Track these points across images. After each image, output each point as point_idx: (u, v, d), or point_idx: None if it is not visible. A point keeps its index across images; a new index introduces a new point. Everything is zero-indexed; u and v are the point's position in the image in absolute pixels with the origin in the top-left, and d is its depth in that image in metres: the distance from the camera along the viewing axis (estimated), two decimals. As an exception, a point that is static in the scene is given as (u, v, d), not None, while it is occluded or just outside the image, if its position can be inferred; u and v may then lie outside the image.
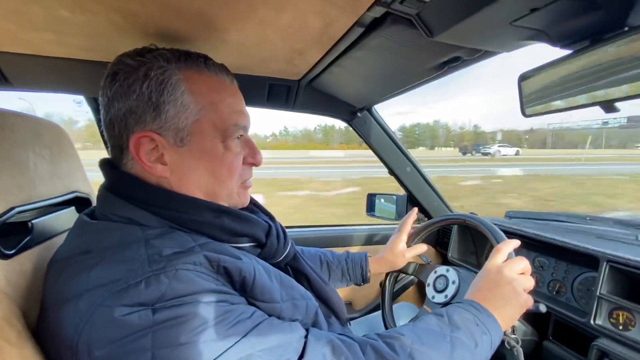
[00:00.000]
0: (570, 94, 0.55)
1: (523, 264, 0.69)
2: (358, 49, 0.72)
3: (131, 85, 0.49)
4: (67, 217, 0.66)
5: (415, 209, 1.02)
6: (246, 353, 0.41)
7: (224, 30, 0.66)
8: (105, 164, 0.55)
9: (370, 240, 1.49)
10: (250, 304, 0.48)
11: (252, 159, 0.60)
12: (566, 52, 0.54)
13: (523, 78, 0.62)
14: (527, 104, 0.63)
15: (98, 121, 1.02)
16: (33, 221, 0.55)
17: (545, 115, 0.62)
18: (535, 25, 0.50)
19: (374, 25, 0.62)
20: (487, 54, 0.66)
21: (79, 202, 0.69)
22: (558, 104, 0.57)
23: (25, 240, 0.53)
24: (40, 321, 0.45)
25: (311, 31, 0.66)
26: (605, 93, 0.50)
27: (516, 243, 0.73)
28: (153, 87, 0.49)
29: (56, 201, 0.61)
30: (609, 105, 0.51)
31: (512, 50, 0.62)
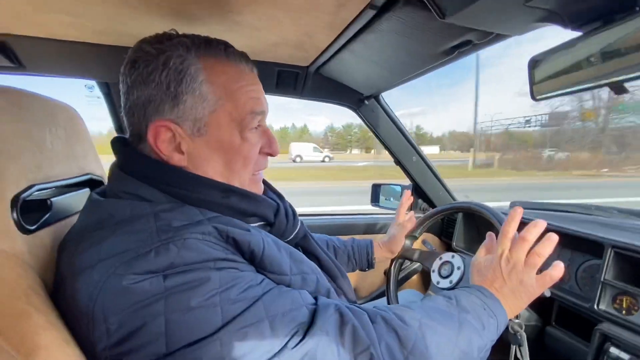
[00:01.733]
0: (580, 76, 0.55)
1: (527, 245, 0.63)
2: (369, 32, 0.72)
3: (150, 74, 0.49)
4: (83, 198, 0.66)
5: (408, 192, 1.03)
6: (257, 318, 0.42)
7: (238, 12, 0.66)
8: (117, 142, 0.56)
9: (375, 228, 1.50)
10: (259, 273, 0.49)
11: (268, 148, 0.60)
12: (577, 34, 0.54)
13: (533, 61, 0.62)
14: (536, 86, 0.63)
15: (109, 106, 1.04)
16: (52, 199, 0.56)
17: (554, 98, 0.62)
18: (548, 5, 0.50)
19: (386, 7, 0.63)
20: (498, 37, 0.66)
21: (93, 185, 0.71)
22: (568, 85, 0.58)
23: (45, 217, 0.54)
24: (56, 292, 0.47)
25: (323, 13, 0.66)
26: (615, 73, 0.50)
27: (518, 217, 0.66)
28: (172, 77, 0.49)
29: (72, 182, 0.62)
30: (619, 87, 0.51)
31: (523, 33, 0.62)
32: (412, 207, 1.49)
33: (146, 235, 0.43)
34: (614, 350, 0.78)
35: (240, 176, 0.56)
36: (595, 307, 0.83)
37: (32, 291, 0.43)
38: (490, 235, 0.72)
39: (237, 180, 0.56)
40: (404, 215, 1.02)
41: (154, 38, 0.52)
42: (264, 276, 0.48)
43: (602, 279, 0.83)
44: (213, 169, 0.54)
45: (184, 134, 0.51)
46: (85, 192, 0.69)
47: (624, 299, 0.81)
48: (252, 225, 0.56)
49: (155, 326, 0.38)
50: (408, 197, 1.02)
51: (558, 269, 0.63)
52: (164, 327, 0.38)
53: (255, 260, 0.49)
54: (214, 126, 0.52)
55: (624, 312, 0.80)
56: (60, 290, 0.46)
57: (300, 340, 0.43)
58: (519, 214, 0.66)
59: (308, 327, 0.45)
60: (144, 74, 0.50)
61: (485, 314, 0.58)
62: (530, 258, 0.63)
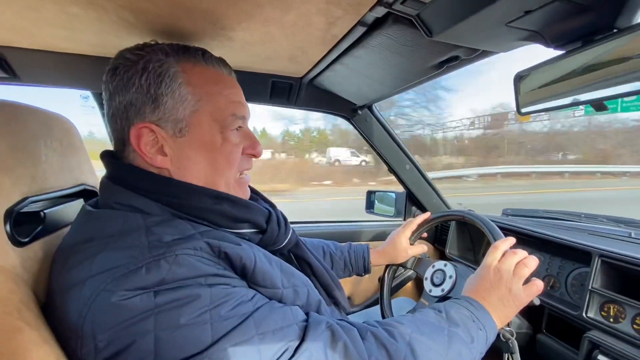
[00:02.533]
0: (563, 93, 0.57)
1: (517, 257, 0.68)
2: (360, 47, 0.74)
3: (130, 79, 0.51)
4: (77, 209, 0.67)
5: (428, 213, 1.03)
6: (247, 335, 0.42)
7: (231, 29, 0.68)
8: (106, 156, 0.57)
9: (370, 236, 1.51)
10: (251, 288, 0.49)
11: (252, 150, 0.61)
12: (560, 52, 0.56)
13: (519, 77, 0.64)
14: (522, 101, 0.65)
15: (104, 116, 1.04)
16: (45, 211, 0.57)
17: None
18: (529, 26, 0.52)
19: (376, 25, 0.64)
20: (484, 53, 0.68)
21: (88, 195, 0.71)
22: (551, 102, 0.60)
23: (38, 229, 0.54)
24: (47, 306, 0.47)
25: (315, 30, 0.68)
26: (596, 92, 0.52)
27: (512, 241, 0.73)
28: (151, 80, 0.51)
29: (66, 193, 0.63)
30: (599, 104, 0.53)
31: (509, 50, 0.64)
32: (405, 215, 1.50)
33: (137, 251, 0.43)
34: (602, 358, 0.79)
35: (225, 176, 0.57)
36: (584, 314, 0.84)
37: (24, 306, 0.43)
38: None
39: (223, 180, 0.57)
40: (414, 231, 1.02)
41: (135, 46, 0.54)
42: (255, 291, 0.49)
43: (590, 287, 0.85)
44: (197, 169, 0.55)
45: (166, 135, 0.52)
46: (79, 202, 0.69)
47: (612, 307, 0.82)
48: (244, 230, 0.56)
49: (144, 344, 0.38)
50: (427, 215, 1.02)
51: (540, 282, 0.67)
52: (153, 345, 0.38)
53: (247, 275, 0.49)
54: (195, 127, 0.53)
55: (611, 319, 0.81)
56: (50, 305, 0.46)
57: (291, 358, 0.43)
58: (512, 241, 0.74)
59: (299, 345, 0.45)
60: (125, 79, 0.52)
61: (474, 326, 0.59)
62: (519, 268, 0.66)
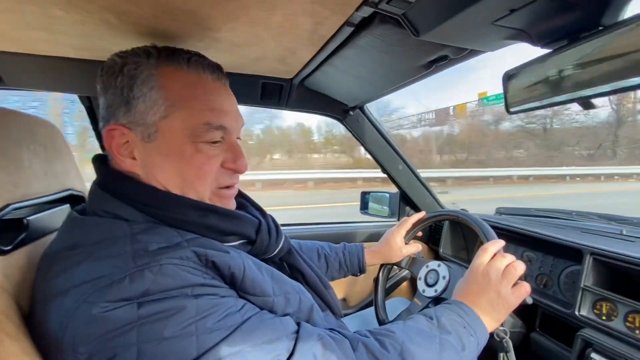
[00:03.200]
0: (551, 92, 0.57)
1: (505, 260, 0.68)
2: (348, 47, 0.73)
3: (109, 80, 0.52)
4: (62, 215, 0.66)
5: (423, 213, 1.03)
6: (236, 349, 0.41)
7: (216, 30, 0.67)
8: (96, 160, 0.56)
9: (365, 237, 1.50)
10: (241, 297, 0.48)
11: (232, 164, 0.56)
12: (547, 51, 0.56)
13: (508, 76, 0.64)
14: (511, 100, 0.65)
15: (91, 120, 1.03)
16: (28, 218, 0.56)
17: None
18: (515, 25, 0.52)
19: (363, 25, 0.64)
20: (472, 52, 0.68)
21: (74, 200, 0.70)
22: (539, 101, 0.60)
23: (21, 236, 0.53)
24: (30, 316, 0.46)
25: (302, 30, 0.68)
26: (583, 90, 0.52)
27: (500, 243, 0.73)
28: (125, 82, 0.51)
29: (51, 199, 0.62)
30: (586, 102, 0.53)
31: (496, 49, 0.64)
32: (399, 215, 1.50)
33: (121, 260, 0.42)
34: (595, 356, 0.79)
35: (196, 189, 0.54)
36: (576, 313, 0.84)
37: (4, 317, 0.42)
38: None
39: (194, 193, 0.54)
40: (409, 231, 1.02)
41: (126, 50, 0.54)
42: (245, 301, 0.47)
43: (582, 285, 0.85)
44: (164, 177, 0.53)
45: (136, 139, 0.52)
46: (65, 208, 0.68)
47: (604, 305, 0.82)
48: (231, 244, 0.55)
49: (127, 357, 0.37)
50: (422, 214, 1.02)
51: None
52: (136, 358, 0.37)
53: (236, 284, 0.48)
54: (165, 133, 0.52)
55: (603, 317, 0.81)
56: (33, 314, 0.45)
57: None
58: (502, 244, 0.73)
59: (288, 357, 0.44)
60: (106, 82, 0.52)
61: (465, 332, 0.59)
62: (507, 271, 0.66)
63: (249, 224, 0.57)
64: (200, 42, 0.72)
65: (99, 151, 0.79)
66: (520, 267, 0.67)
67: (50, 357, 0.40)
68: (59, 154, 0.67)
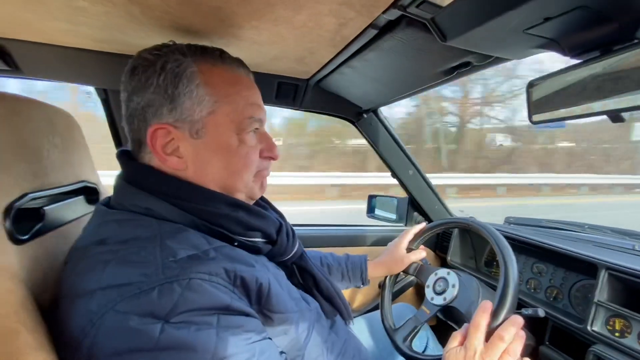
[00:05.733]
0: (578, 102, 0.56)
1: (502, 345, 0.58)
2: (370, 50, 0.73)
3: (149, 79, 0.51)
4: (77, 206, 0.66)
5: (424, 224, 1.02)
6: None
7: (239, 27, 0.67)
8: (122, 155, 0.56)
9: (372, 241, 1.49)
10: (265, 316, 0.49)
11: (269, 152, 0.60)
12: (576, 61, 0.55)
13: (531, 85, 0.63)
14: (534, 110, 0.64)
15: (107, 113, 1.03)
16: (45, 208, 0.55)
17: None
18: (547, 34, 0.51)
19: (387, 28, 0.63)
20: (497, 60, 0.67)
21: (88, 192, 0.70)
22: (565, 111, 0.59)
23: (38, 226, 0.53)
24: (52, 308, 0.46)
25: (324, 31, 0.67)
26: (612, 102, 0.51)
27: (487, 313, 0.62)
28: (169, 80, 0.50)
29: (66, 189, 0.62)
30: (616, 115, 0.52)
31: (523, 57, 0.63)
32: (407, 221, 1.49)
33: (151, 269, 0.42)
34: (606, 373, 0.77)
35: (242, 178, 0.56)
36: (589, 328, 0.83)
37: (22, 308, 0.41)
38: (466, 326, 0.64)
39: (240, 183, 0.56)
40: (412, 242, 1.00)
41: (153, 47, 0.53)
42: (263, 334, 0.47)
43: (595, 300, 0.83)
44: (213, 172, 0.54)
45: (182, 136, 0.52)
46: (80, 199, 0.68)
47: (617, 321, 0.81)
48: (255, 239, 0.56)
49: None
50: (423, 225, 1.01)
51: None
52: None
53: (261, 299, 0.49)
54: (212, 128, 0.53)
55: (617, 334, 0.80)
56: (56, 308, 0.45)
57: None
58: (489, 306, 0.63)
59: None
60: (143, 79, 0.51)
61: None
62: (504, 358, 0.58)
63: (271, 224, 0.58)
64: (221, 39, 0.72)
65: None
66: (518, 350, 0.59)
67: (65, 354, 0.40)
68: (76, 145, 0.67)
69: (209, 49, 0.55)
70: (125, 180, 0.53)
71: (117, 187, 0.54)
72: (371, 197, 1.63)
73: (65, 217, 0.62)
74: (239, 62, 0.57)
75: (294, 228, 0.67)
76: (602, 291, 0.84)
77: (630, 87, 0.49)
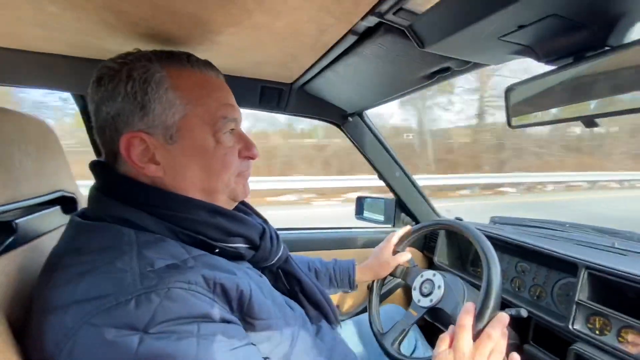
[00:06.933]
0: (553, 108, 0.57)
1: (491, 343, 0.59)
2: (351, 55, 0.73)
3: (115, 88, 0.49)
4: (53, 217, 0.64)
5: (409, 227, 1.02)
6: None
7: (218, 33, 0.66)
8: (96, 166, 0.55)
9: (361, 243, 1.50)
10: (247, 323, 0.49)
11: (247, 152, 0.59)
12: (551, 67, 0.56)
13: (509, 90, 0.64)
14: (512, 115, 0.65)
15: (84, 119, 1.00)
16: (17, 221, 0.54)
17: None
18: (522, 41, 0.52)
19: (367, 34, 0.63)
20: (475, 65, 0.68)
21: (65, 202, 0.68)
22: (541, 116, 0.60)
23: (9, 240, 0.51)
24: (24, 326, 0.44)
25: (305, 37, 0.67)
26: (586, 108, 0.52)
27: (471, 314, 0.63)
28: (137, 87, 0.49)
29: (41, 200, 0.60)
30: (589, 120, 0.53)
31: (500, 63, 0.64)
32: (394, 222, 1.50)
33: (128, 279, 0.41)
34: (587, 371, 0.79)
35: (223, 179, 0.55)
36: (570, 326, 0.85)
37: None
38: (452, 328, 0.65)
39: (221, 184, 0.55)
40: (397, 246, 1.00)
41: (117, 56, 0.52)
42: (245, 341, 0.47)
43: (576, 299, 0.85)
44: (191, 176, 0.53)
45: (157, 143, 0.51)
46: (56, 210, 0.66)
47: (597, 319, 0.83)
48: (237, 245, 0.55)
49: None
50: (408, 229, 1.01)
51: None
52: None
53: (243, 307, 0.48)
54: (187, 132, 0.52)
55: (597, 332, 0.82)
56: (28, 326, 0.44)
57: None
58: (472, 308, 0.64)
59: None
60: (110, 89, 0.50)
61: None
62: (493, 357, 0.60)
63: (253, 229, 0.58)
64: (200, 45, 0.71)
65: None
66: (504, 347, 0.61)
67: None
68: (51, 153, 0.65)
69: (176, 53, 0.54)
70: (99, 191, 0.52)
71: (92, 198, 0.53)
72: (359, 199, 1.64)
73: (40, 229, 0.60)
74: (207, 64, 0.57)
75: (281, 232, 0.66)
76: (582, 290, 0.85)
77: (603, 93, 0.50)
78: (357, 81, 0.90)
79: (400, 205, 1.49)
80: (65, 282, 0.42)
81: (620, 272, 0.80)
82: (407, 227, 1.02)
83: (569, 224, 1.26)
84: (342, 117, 1.24)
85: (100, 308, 0.38)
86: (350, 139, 1.31)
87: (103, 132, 0.52)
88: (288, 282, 0.66)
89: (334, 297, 1.46)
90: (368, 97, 1.02)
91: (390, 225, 1.51)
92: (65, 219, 0.67)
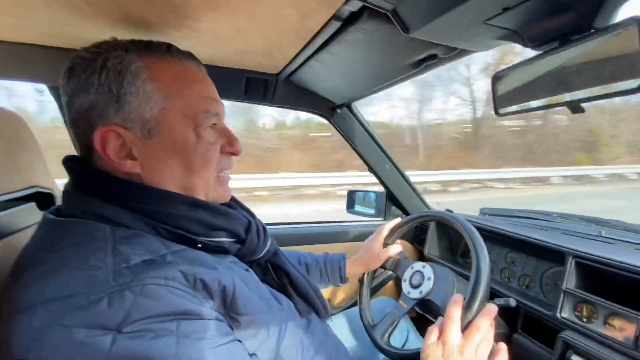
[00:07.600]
0: (540, 94, 0.56)
1: (479, 335, 0.59)
2: (336, 43, 0.71)
3: (88, 78, 0.46)
4: (27, 214, 0.62)
5: (399, 219, 1.02)
6: None
7: (196, 19, 0.63)
8: (69, 161, 0.52)
9: (352, 237, 1.49)
10: (232, 319, 0.47)
11: (230, 147, 0.57)
12: (537, 52, 0.55)
13: (496, 77, 0.63)
14: (499, 103, 0.64)
15: (62, 113, 0.97)
16: None
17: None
18: (507, 24, 0.51)
19: (351, 19, 0.62)
20: (462, 52, 0.67)
21: (41, 198, 0.65)
22: (529, 103, 0.59)
23: None
24: None
25: (288, 23, 0.65)
26: (572, 93, 0.52)
27: (459, 306, 0.63)
28: (112, 78, 0.47)
29: (14, 196, 0.57)
30: (575, 106, 0.52)
31: (486, 49, 0.63)
32: (385, 215, 1.49)
33: (100, 276, 0.39)
34: (575, 358, 0.79)
35: (203, 177, 0.53)
36: (558, 315, 0.85)
37: None
38: (441, 319, 0.65)
39: (200, 182, 0.53)
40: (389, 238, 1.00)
41: (92, 45, 0.49)
42: (229, 337, 0.45)
43: (564, 288, 0.85)
44: (170, 172, 0.51)
45: (134, 137, 0.48)
46: (31, 206, 0.64)
47: (584, 307, 0.83)
48: (221, 239, 0.53)
49: None
50: (398, 221, 1.00)
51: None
52: None
53: (226, 302, 0.46)
54: (166, 126, 0.49)
55: (584, 319, 0.82)
56: None
57: None
58: (460, 300, 0.64)
59: None
60: (82, 80, 0.47)
61: None
62: (481, 348, 0.60)
63: (238, 222, 0.56)
64: (179, 32, 0.68)
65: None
66: (491, 337, 0.61)
67: None
68: (24, 148, 0.62)
69: (155, 43, 0.51)
70: (74, 188, 0.50)
71: (66, 195, 0.50)
72: (350, 193, 1.63)
73: (12, 226, 0.57)
74: (188, 55, 0.54)
75: (272, 227, 0.65)
76: (570, 278, 0.86)
77: (589, 77, 0.49)
78: (344, 71, 0.88)
79: (391, 198, 1.48)
80: (34, 280, 0.40)
81: (607, 260, 0.80)
82: (397, 219, 1.01)
83: (556, 214, 1.27)
84: (331, 109, 1.22)
85: (70, 307, 0.36)
86: (339, 131, 1.29)
87: (76, 126, 0.49)
88: (277, 276, 0.65)
89: (326, 291, 1.45)
90: (355, 87, 1.01)
91: (381, 219, 1.50)
92: (41, 215, 0.65)
